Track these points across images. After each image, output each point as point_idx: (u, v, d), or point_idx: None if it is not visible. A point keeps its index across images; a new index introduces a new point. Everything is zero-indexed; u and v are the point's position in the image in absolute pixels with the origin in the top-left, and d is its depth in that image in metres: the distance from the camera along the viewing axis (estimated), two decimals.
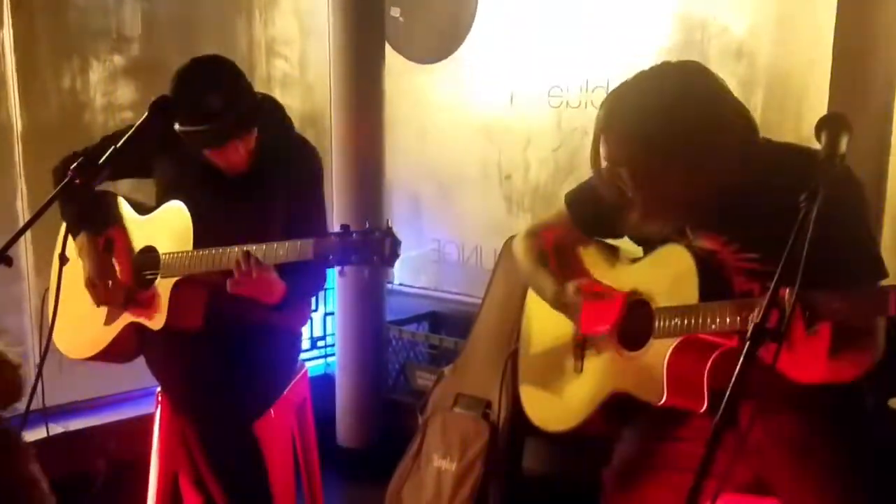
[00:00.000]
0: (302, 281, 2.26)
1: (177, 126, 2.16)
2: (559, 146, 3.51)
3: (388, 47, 3.66)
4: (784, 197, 1.39)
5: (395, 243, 1.85)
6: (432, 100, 3.85)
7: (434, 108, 3.85)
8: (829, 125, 1.49)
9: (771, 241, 1.48)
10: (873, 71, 2.67)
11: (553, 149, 3.52)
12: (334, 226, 3.33)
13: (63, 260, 1.78)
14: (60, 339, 2.45)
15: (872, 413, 1.80)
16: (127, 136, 1.85)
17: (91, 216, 2.34)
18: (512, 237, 3.11)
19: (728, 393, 1.19)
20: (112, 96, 3.40)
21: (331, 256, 1.88)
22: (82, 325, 2.42)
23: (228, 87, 2.16)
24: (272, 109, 2.39)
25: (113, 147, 1.81)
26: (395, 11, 3.84)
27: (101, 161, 1.78)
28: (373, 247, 1.84)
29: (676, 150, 1.59)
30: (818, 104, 2.73)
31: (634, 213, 1.70)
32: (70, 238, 2.35)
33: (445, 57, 3.75)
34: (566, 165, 3.49)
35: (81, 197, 1.86)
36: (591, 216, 1.99)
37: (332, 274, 3.32)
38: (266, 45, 3.86)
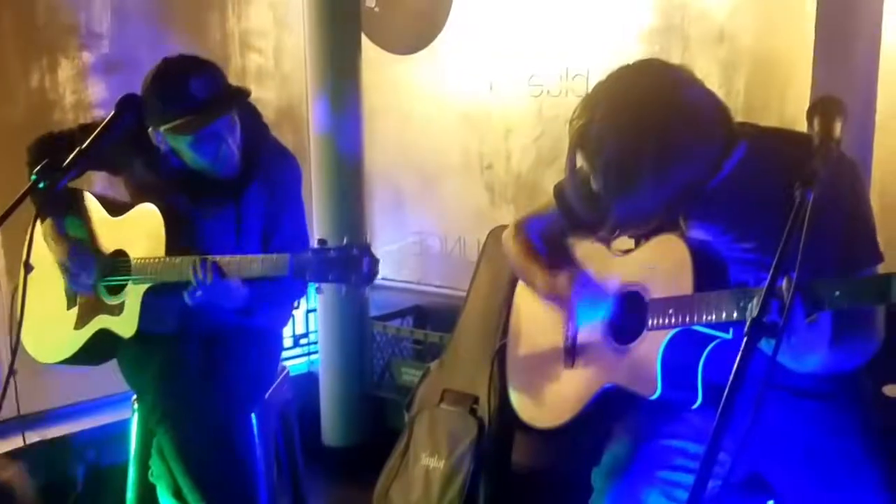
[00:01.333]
0: (276, 290, 2.19)
1: (162, 127, 2.10)
2: (540, 135, 3.48)
3: (364, 38, 3.62)
4: (778, 184, 1.36)
5: (374, 262, 1.81)
6: (411, 90, 3.83)
7: (413, 99, 3.82)
8: (822, 110, 1.44)
9: (766, 230, 1.45)
10: (856, 51, 2.64)
11: (534, 137, 3.50)
12: (313, 230, 3.30)
13: (28, 268, 1.72)
14: (30, 343, 2.39)
15: (874, 402, 1.77)
16: (93, 135, 1.78)
17: (57, 203, 2.28)
18: (496, 228, 3.10)
19: (728, 387, 1.15)
20: (82, 94, 3.33)
21: (307, 273, 1.84)
22: (53, 329, 2.36)
23: (206, 72, 2.12)
24: (249, 109, 2.32)
25: (78, 149, 1.74)
26: (370, 2, 3.81)
27: (65, 164, 1.71)
28: (350, 265, 1.79)
29: (648, 160, 1.52)
30: (802, 86, 2.71)
31: (608, 223, 1.65)
32: (34, 245, 2.29)
33: (423, 47, 3.73)
34: (548, 154, 3.46)
35: (59, 185, 1.79)
36: (578, 212, 1.93)
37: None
38: (240, 38, 3.80)
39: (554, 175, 3.52)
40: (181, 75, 2.07)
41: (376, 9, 3.81)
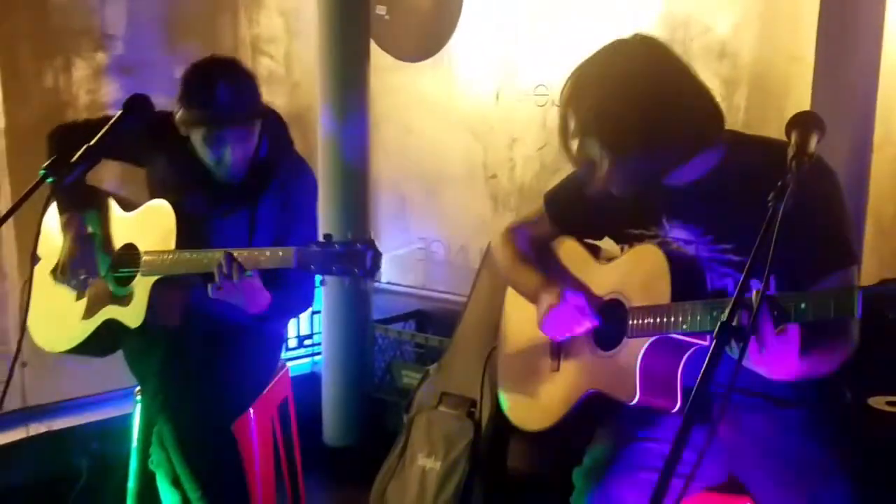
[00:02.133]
0: (289, 295, 2.27)
1: (180, 111, 2.20)
2: (544, 145, 3.51)
3: (373, 45, 3.65)
4: (757, 189, 1.40)
5: (377, 256, 1.87)
6: (418, 98, 3.85)
7: (420, 107, 3.85)
8: (800, 124, 1.49)
9: (745, 233, 1.49)
10: (856, 68, 2.67)
11: (538, 147, 3.52)
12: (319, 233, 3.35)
13: (34, 260, 1.78)
14: (38, 333, 2.45)
15: (850, 409, 1.80)
16: (100, 133, 1.84)
17: (75, 198, 2.36)
18: None
19: (694, 389, 1.19)
20: (95, 95, 3.39)
21: (312, 266, 1.89)
22: (61, 319, 2.41)
23: (240, 81, 2.22)
24: (278, 123, 2.39)
25: (86, 146, 1.81)
26: (380, 9, 3.84)
27: (73, 159, 1.77)
28: (354, 259, 1.85)
29: (639, 119, 1.61)
30: (802, 102, 2.74)
31: (609, 184, 1.72)
32: (47, 237, 2.36)
33: (431, 55, 3.76)
34: (552, 164, 3.48)
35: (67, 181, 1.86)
36: (569, 215, 1.99)
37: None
38: (251, 43, 3.85)
39: None
40: (215, 72, 2.19)
41: (386, 16, 3.85)
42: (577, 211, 1.96)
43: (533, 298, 1.95)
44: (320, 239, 1.93)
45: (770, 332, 1.38)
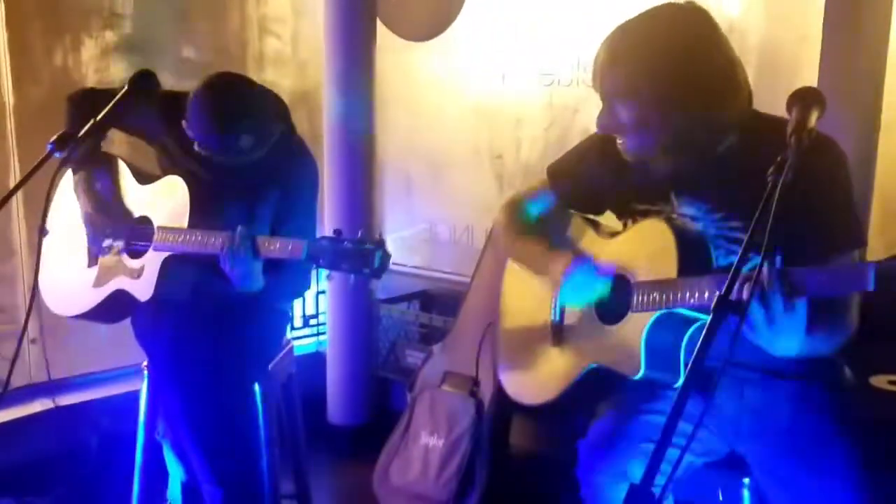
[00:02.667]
0: (287, 281, 2.28)
1: (191, 133, 2.19)
2: (550, 125, 3.50)
3: (379, 24, 3.64)
4: (764, 166, 1.40)
5: (385, 257, 1.87)
6: (424, 78, 3.84)
7: (425, 87, 3.83)
8: (799, 99, 1.49)
9: (752, 209, 1.49)
10: (864, 48, 2.65)
11: (544, 128, 3.51)
12: (325, 217, 3.36)
13: (43, 232, 1.80)
14: (50, 296, 2.48)
15: (851, 386, 1.80)
16: (106, 109, 1.85)
17: (92, 159, 2.37)
18: None
19: (691, 363, 1.20)
20: (104, 73, 3.39)
21: (321, 260, 1.90)
22: (72, 284, 2.43)
23: (255, 121, 2.19)
24: (284, 110, 2.39)
25: (92, 121, 1.82)
26: None
27: (80, 134, 1.79)
28: (363, 258, 1.86)
29: (683, 81, 1.59)
30: (810, 81, 2.72)
31: (635, 151, 1.70)
32: (58, 206, 2.38)
33: (437, 34, 3.72)
34: (557, 144, 3.46)
35: (72, 156, 1.87)
36: (572, 188, 1.98)
37: None
38: (258, 23, 3.84)
39: None
40: (235, 119, 2.14)
41: None
42: (580, 184, 1.95)
43: (540, 269, 1.94)
44: (327, 233, 1.93)
45: (780, 306, 1.38)
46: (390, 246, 1.91)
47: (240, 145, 2.16)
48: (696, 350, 1.21)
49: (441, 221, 3.87)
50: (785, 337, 1.46)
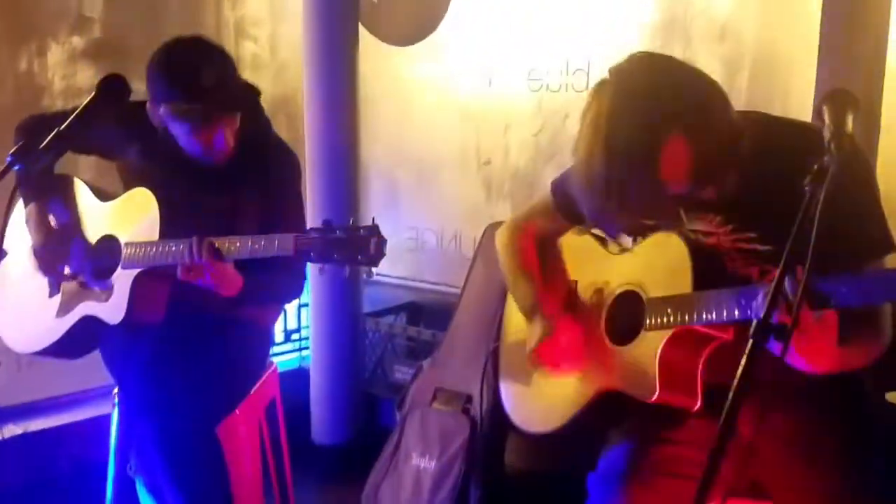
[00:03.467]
0: (277, 281, 2.18)
1: (162, 107, 2.07)
2: (539, 130, 3.43)
3: (362, 28, 3.58)
4: (780, 173, 1.30)
5: (381, 242, 1.76)
6: (409, 83, 3.78)
7: (410, 92, 3.78)
8: (833, 102, 1.38)
9: (769, 220, 1.42)
10: (862, 50, 2.58)
11: (533, 133, 3.45)
12: (313, 222, 3.24)
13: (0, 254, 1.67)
14: (7, 333, 2.34)
15: (873, 407, 1.72)
16: (71, 117, 1.71)
17: (42, 187, 2.24)
18: (492, 224, 3.05)
19: (731, 395, 1.09)
20: (71, 79, 3.29)
21: (311, 253, 1.79)
22: (33, 317, 2.30)
23: (220, 64, 2.08)
24: (254, 106, 2.28)
25: (56, 130, 1.68)
26: None
27: (41, 146, 1.65)
28: (357, 245, 1.75)
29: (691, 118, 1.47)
30: (805, 84, 2.65)
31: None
32: (16, 232, 2.26)
33: (422, 38, 3.68)
34: (546, 150, 3.41)
35: (35, 168, 1.75)
36: (575, 206, 1.87)
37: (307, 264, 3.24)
38: (235, 26, 3.75)
39: (553, 171, 3.45)
40: (194, 60, 2.04)
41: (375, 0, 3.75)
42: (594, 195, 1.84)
43: (527, 315, 1.89)
44: (317, 224, 1.82)
45: (810, 318, 1.29)
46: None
47: (209, 90, 2.01)
48: (737, 379, 1.09)
49: (428, 229, 3.79)
50: (816, 351, 1.37)
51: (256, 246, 1.90)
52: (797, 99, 2.82)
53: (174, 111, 2.05)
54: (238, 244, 1.93)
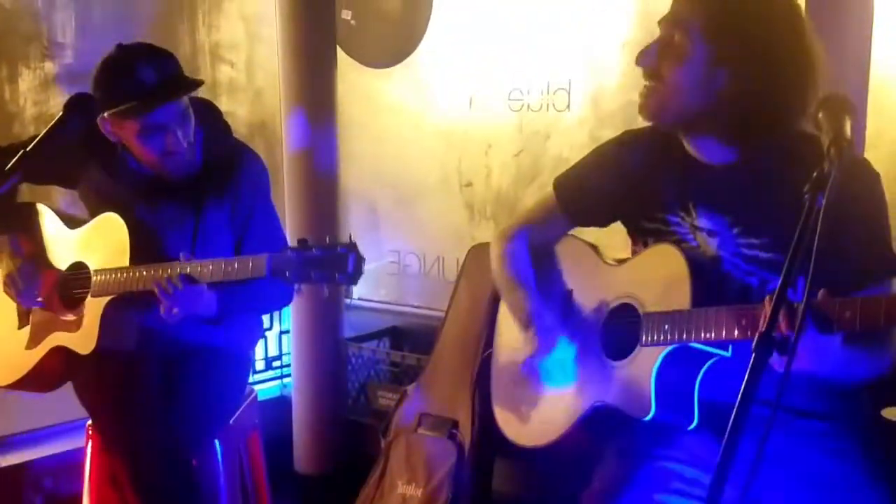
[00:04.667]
0: (250, 296, 2.11)
1: (107, 112, 2.03)
2: (521, 151, 3.40)
3: (340, 51, 3.55)
4: (793, 185, 1.26)
5: (360, 259, 1.73)
6: (388, 104, 3.74)
7: (390, 114, 3.74)
8: (829, 107, 1.35)
9: (777, 228, 1.39)
10: (846, 63, 2.58)
11: (515, 153, 3.41)
12: (289, 240, 3.19)
13: None
14: None
15: (873, 425, 1.69)
16: (39, 137, 1.66)
17: (8, 219, 2.21)
18: (475, 246, 3.02)
19: (735, 410, 1.04)
20: (44, 106, 3.22)
21: (287, 273, 1.73)
22: (1, 349, 2.21)
23: (159, 59, 2.06)
24: (210, 110, 2.22)
25: (22, 151, 1.63)
26: (346, 14, 3.72)
27: (7, 168, 1.59)
28: (335, 263, 1.70)
29: (767, 39, 1.47)
30: None
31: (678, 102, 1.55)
32: None
33: (400, 61, 3.65)
34: (528, 170, 3.38)
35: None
36: (580, 201, 1.85)
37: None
38: (210, 50, 3.70)
39: (535, 192, 3.43)
40: (131, 59, 2.02)
41: (352, 21, 3.72)
42: (591, 194, 1.83)
43: (522, 325, 1.86)
44: (293, 243, 1.78)
45: (813, 338, 1.26)
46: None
47: (146, 78, 1.99)
48: (740, 395, 1.04)
49: (410, 253, 3.74)
50: (820, 365, 1.33)
51: (230, 269, 1.85)
52: None
53: (119, 112, 2.01)
54: (211, 268, 1.88)
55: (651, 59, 1.56)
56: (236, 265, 1.84)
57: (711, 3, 1.52)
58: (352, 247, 1.71)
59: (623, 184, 1.73)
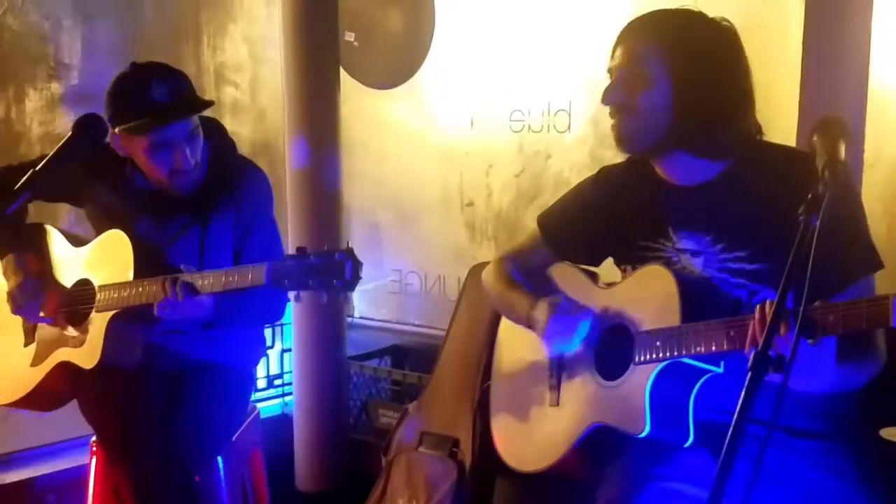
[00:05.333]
0: (246, 302, 2.11)
1: (118, 128, 2.07)
2: (521, 171, 3.43)
3: (343, 72, 3.58)
4: (775, 196, 1.30)
5: (357, 266, 1.73)
6: (391, 125, 3.78)
7: (393, 134, 3.77)
8: (825, 130, 1.38)
9: (760, 240, 1.42)
10: (845, 74, 2.60)
11: (515, 174, 3.44)
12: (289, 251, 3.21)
13: None
14: None
15: (870, 445, 1.70)
16: (48, 157, 1.69)
17: (17, 238, 2.23)
18: (477, 265, 3.04)
19: (731, 428, 1.06)
20: (50, 126, 3.25)
21: (286, 281, 1.75)
22: (6, 367, 2.24)
23: (169, 78, 2.09)
24: (217, 128, 2.26)
25: (32, 170, 1.66)
26: (349, 36, 3.76)
27: (17, 186, 1.62)
28: (333, 270, 1.71)
29: (701, 65, 1.58)
30: (789, 117, 2.66)
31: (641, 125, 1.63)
32: None
33: (403, 82, 3.69)
34: (529, 191, 3.41)
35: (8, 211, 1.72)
36: (566, 238, 1.89)
37: (289, 309, 3.19)
38: (215, 72, 3.74)
39: (535, 211, 3.44)
40: (145, 77, 2.06)
41: (355, 43, 3.76)
42: (575, 230, 1.86)
43: (528, 322, 1.85)
44: (291, 251, 1.79)
45: (805, 347, 1.27)
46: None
47: (158, 96, 2.03)
48: (736, 414, 1.06)
49: (411, 272, 3.76)
50: (815, 372, 1.37)
51: (230, 279, 1.87)
52: (778, 124, 2.82)
53: (130, 128, 2.04)
54: (211, 279, 1.91)
55: (618, 93, 1.64)
56: (236, 276, 1.86)
57: (667, 29, 1.62)
58: (349, 253, 1.72)
59: (603, 217, 1.78)
